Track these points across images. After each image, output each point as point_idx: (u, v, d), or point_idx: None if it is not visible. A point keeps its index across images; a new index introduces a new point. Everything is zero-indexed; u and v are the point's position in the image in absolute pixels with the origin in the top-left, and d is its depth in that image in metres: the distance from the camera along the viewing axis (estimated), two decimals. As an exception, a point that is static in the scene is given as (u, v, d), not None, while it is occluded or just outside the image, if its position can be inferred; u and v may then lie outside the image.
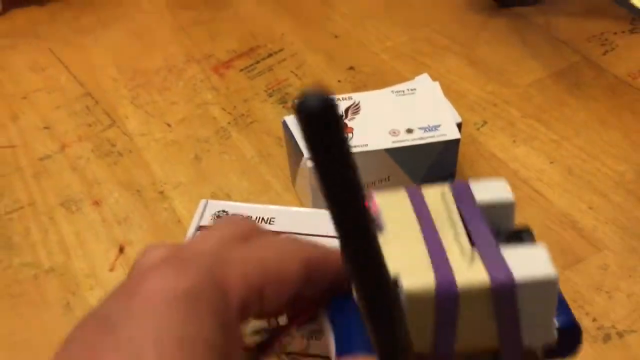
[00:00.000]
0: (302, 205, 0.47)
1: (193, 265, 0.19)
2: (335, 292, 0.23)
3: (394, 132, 0.44)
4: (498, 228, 0.23)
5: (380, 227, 0.22)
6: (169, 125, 0.57)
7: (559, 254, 0.44)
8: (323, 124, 0.15)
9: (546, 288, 0.21)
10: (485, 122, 0.54)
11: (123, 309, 0.18)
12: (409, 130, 0.44)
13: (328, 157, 0.15)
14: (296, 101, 0.15)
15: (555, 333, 0.22)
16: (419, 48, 0.62)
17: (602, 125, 0.53)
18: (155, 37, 0.67)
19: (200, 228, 0.34)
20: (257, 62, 0.62)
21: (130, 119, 0.58)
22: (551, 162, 0.50)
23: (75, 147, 0.55)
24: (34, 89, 0.61)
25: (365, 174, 0.45)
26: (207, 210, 0.36)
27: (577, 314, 0.40)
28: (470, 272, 0.21)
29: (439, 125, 0.44)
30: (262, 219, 0.35)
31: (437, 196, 0.23)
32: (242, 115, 0.56)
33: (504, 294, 0.21)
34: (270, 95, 0.58)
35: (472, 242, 0.21)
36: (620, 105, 0.55)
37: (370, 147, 0.43)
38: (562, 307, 0.23)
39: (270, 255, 0.22)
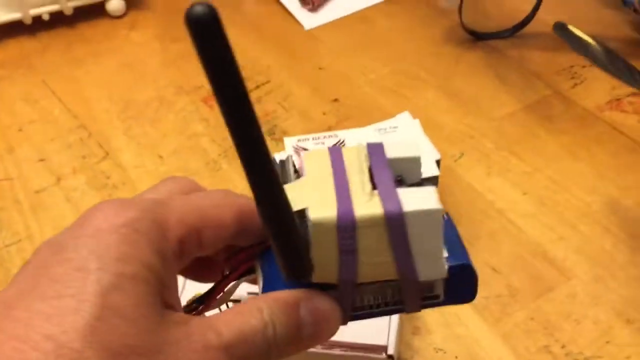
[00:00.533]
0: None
1: (135, 206, 0.22)
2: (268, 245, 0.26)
3: (377, 170, 0.47)
4: (406, 178, 0.26)
5: (300, 176, 0.26)
6: (161, 157, 0.59)
7: (531, 283, 0.47)
8: (208, 27, 0.17)
9: (431, 219, 0.24)
10: (462, 154, 0.57)
11: (71, 236, 0.21)
12: (391, 168, 0.47)
13: (215, 57, 0.18)
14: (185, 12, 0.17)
15: (445, 268, 0.25)
16: (399, 81, 0.65)
17: (572, 157, 0.56)
18: (145, 68, 0.69)
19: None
20: (245, 93, 0.65)
21: (123, 150, 0.60)
22: (524, 194, 0.54)
23: (70, 179, 0.57)
24: (29, 121, 0.63)
25: (350, 209, 0.47)
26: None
27: (547, 341, 0.44)
28: (367, 205, 0.24)
29: (419, 163, 0.47)
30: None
31: (353, 153, 0.26)
32: (232, 147, 0.59)
33: (395, 223, 0.23)
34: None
35: (374, 186, 0.24)
36: (588, 137, 0.58)
37: (355, 184, 0.46)
38: (458, 249, 0.26)
39: (207, 203, 0.25)
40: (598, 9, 0.73)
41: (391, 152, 0.26)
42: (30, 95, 0.66)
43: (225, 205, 0.25)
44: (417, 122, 0.51)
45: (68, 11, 0.73)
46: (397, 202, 0.24)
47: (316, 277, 0.25)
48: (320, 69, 0.68)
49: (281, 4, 0.75)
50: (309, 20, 0.73)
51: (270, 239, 0.23)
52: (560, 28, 0.50)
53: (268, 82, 0.66)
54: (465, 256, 0.26)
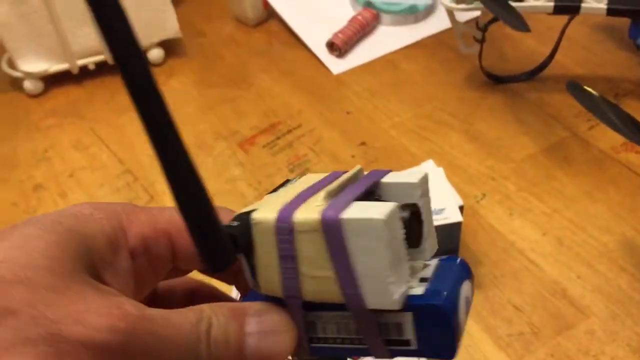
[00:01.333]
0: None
1: (104, 204, 0.24)
2: None
3: (404, 216, 0.51)
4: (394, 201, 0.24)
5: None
6: (201, 200, 0.63)
7: (551, 320, 0.50)
8: None
9: (372, 231, 0.21)
10: (484, 195, 0.61)
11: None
12: (418, 214, 0.51)
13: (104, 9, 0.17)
14: None
15: (393, 296, 0.22)
16: (423, 124, 0.69)
17: (589, 198, 0.60)
18: (184, 114, 0.74)
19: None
20: (278, 138, 0.69)
21: (167, 194, 0.64)
22: (544, 234, 0.57)
23: (119, 222, 0.62)
24: (79, 167, 0.68)
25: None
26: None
27: (567, 377, 0.47)
28: (309, 211, 0.22)
29: (443, 209, 0.51)
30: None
31: (350, 175, 0.25)
32: (267, 190, 0.63)
33: (331, 229, 0.22)
34: (292, 171, 0.65)
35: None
36: (605, 178, 0.61)
37: (385, 230, 0.50)
38: (441, 291, 0.23)
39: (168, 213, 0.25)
40: (613, 51, 0.76)
41: (389, 178, 0.25)
42: (80, 142, 0.71)
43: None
44: (440, 170, 0.54)
45: (112, 61, 0.78)
46: (338, 209, 0.22)
47: (262, 288, 0.24)
48: (348, 113, 0.72)
49: (310, 51, 0.80)
50: (336, 65, 0.78)
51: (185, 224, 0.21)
52: (574, 87, 0.53)
53: (299, 126, 0.71)
54: (441, 298, 0.23)
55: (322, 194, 0.23)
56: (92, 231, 0.22)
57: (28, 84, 0.76)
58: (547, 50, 0.73)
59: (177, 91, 0.77)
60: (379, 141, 0.68)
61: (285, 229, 0.22)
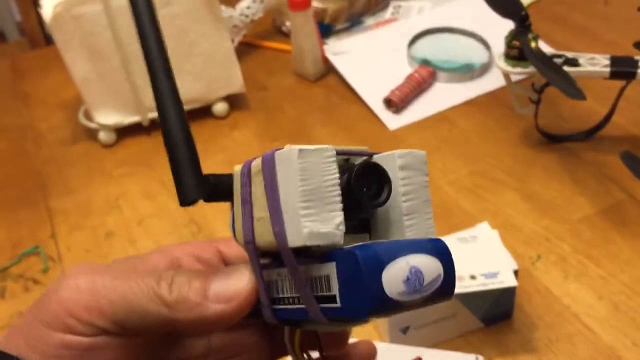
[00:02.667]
0: (382, 336, 0.55)
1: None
2: None
3: (459, 278, 0.52)
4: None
5: None
6: (261, 252, 0.66)
7: (606, 388, 0.50)
8: None
9: (289, 161, 0.22)
10: (539, 257, 0.61)
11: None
12: (472, 277, 0.52)
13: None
14: None
15: (304, 230, 0.22)
16: (477, 182, 0.71)
17: (646, 263, 0.59)
18: (247, 166, 0.77)
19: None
20: (335, 192, 0.72)
21: (228, 245, 0.67)
22: (599, 298, 0.57)
23: (183, 271, 0.65)
24: (148, 215, 0.72)
25: (434, 313, 0.52)
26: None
27: None
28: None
29: (498, 273, 0.52)
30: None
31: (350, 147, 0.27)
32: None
33: (267, 165, 0.23)
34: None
35: None
36: (662, 243, 0.61)
37: (440, 292, 0.51)
38: (377, 246, 0.23)
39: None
40: (672, 111, 0.76)
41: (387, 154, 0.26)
42: (149, 191, 0.75)
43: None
44: (495, 233, 0.55)
45: (180, 114, 0.83)
46: (278, 149, 0.23)
47: (237, 237, 0.25)
48: (404, 169, 0.74)
49: (368, 106, 0.83)
50: (393, 121, 0.80)
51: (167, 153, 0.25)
52: (629, 158, 0.54)
53: (356, 181, 0.73)
54: (362, 249, 0.22)
55: (286, 146, 0.24)
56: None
57: (102, 135, 0.81)
58: (604, 110, 0.74)
59: (239, 143, 0.81)
60: (434, 198, 0.68)
61: (245, 173, 0.24)
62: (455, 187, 0.70)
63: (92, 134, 0.83)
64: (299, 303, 0.24)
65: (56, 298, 0.26)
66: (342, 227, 0.23)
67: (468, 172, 0.72)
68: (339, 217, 0.23)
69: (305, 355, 0.29)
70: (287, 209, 0.23)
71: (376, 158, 0.27)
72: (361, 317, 0.22)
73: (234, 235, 0.26)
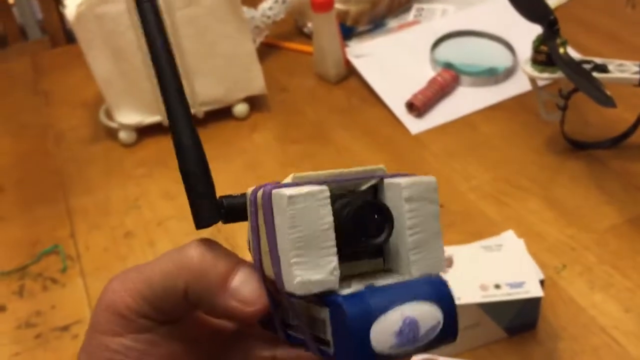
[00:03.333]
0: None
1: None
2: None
3: (483, 287, 0.51)
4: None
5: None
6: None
7: (634, 404, 0.49)
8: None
9: (282, 206, 0.22)
10: (564, 266, 0.60)
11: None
12: (497, 286, 0.51)
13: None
14: None
15: (295, 279, 0.22)
16: (501, 188, 0.69)
17: (675, 275, 0.58)
18: (266, 169, 0.77)
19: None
20: (356, 196, 0.71)
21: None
22: (626, 311, 0.56)
23: (202, 273, 0.64)
24: (167, 216, 0.72)
25: (457, 321, 0.51)
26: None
27: None
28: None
29: (523, 282, 0.51)
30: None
31: (361, 169, 0.26)
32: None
33: (265, 203, 0.23)
34: (369, 230, 0.66)
35: None
36: (692, 255, 0.59)
37: (463, 301, 0.50)
38: (374, 296, 0.22)
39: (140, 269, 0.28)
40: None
41: (395, 179, 0.25)
42: (168, 192, 0.75)
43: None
44: (521, 242, 0.54)
45: (200, 114, 0.82)
46: (277, 186, 0.23)
47: (252, 255, 0.25)
48: (425, 174, 0.73)
49: (389, 110, 0.82)
50: (415, 125, 0.79)
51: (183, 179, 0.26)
52: None
53: (377, 185, 0.72)
54: (352, 300, 0.22)
55: (290, 176, 0.24)
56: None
57: (123, 135, 0.81)
58: (632, 117, 0.72)
59: (259, 146, 0.80)
60: (456, 204, 0.68)
61: (252, 201, 0.24)
62: (478, 193, 0.69)
63: (112, 134, 0.83)
64: (296, 331, 0.25)
65: (101, 306, 0.28)
66: (337, 273, 0.23)
67: (491, 178, 0.71)
68: (332, 262, 0.23)
69: None
70: (282, 254, 0.22)
71: (386, 184, 0.25)
72: None
73: (252, 255, 0.26)
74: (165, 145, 0.82)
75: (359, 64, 0.88)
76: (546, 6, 0.65)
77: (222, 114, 0.83)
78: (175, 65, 0.26)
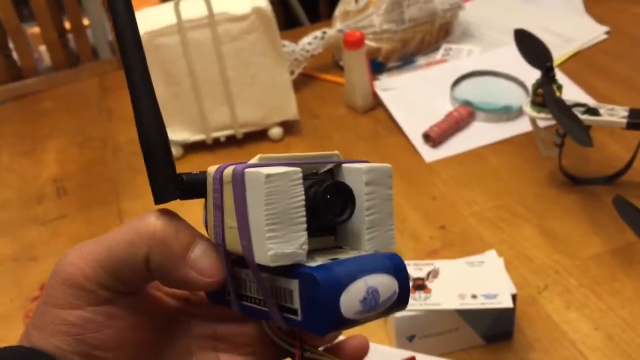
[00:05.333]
0: (391, 341, 0.62)
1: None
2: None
3: (461, 296, 0.58)
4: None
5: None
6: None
7: (589, 408, 0.55)
8: None
9: (258, 184, 0.23)
10: (546, 287, 0.67)
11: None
12: (474, 296, 0.58)
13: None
14: None
15: (268, 251, 0.23)
16: (500, 215, 0.77)
17: (646, 301, 0.64)
18: (293, 186, 0.86)
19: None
20: (369, 214, 0.80)
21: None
22: (596, 329, 0.62)
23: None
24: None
25: (438, 325, 0.59)
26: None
27: None
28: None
29: (497, 294, 0.58)
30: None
31: (317, 154, 0.29)
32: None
33: (236, 181, 0.24)
34: (376, 245, 0.75)
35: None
36: (666, 284, 0.65)
37: (442, 307, 0.58)
38: (336, 269, 0.24)
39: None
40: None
41: (352, 164, 0.28)
42: (205, 201, 0.85)
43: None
44: (501, 260, 0.62)
45: (239, 135, 0.93)
46: (250, 166, 0.25)
47: (208, 233, 0.27)
48: (433, 198, 0.81)
49: (408, 139, 0.90)
50: (429, 154, 0.87)
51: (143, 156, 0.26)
52: (620, 203, 0.59)
53: (389, 206, 0.80)
54: (323, 271, 0.24)
55: (257, 156, 0.26)
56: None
57: (172, 150, 0.92)
58: (629, 156, 0.78)
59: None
60: (457, 226, 0.76)
61: (217, 179, 0.25)
62: (477, 218, 0.77)
63: (162, 148, 0.94)
64: (264, 306, 0.26)
65: (57, 279, 0.28)
66: (306, 247, 0.25)
67: (493, 205, 0.78)
68: (302, 237, 0.25)
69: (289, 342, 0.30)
70: (254, 228, 0.24)
71: (345, 168, 0.28)
72: (319, 333, 0.24)
73: (207, 230, 0.28)
74: (208, 161, 0.93)
75: (385, 97, 0.97)
76: (545, 54, 0.72)
77: (259, 135, 0.94)
78: (141, 48, 0.26)
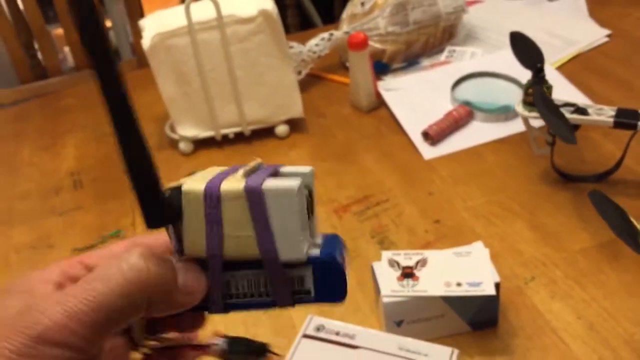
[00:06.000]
0: (381, 326, 0.66)
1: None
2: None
3: (447, 284, 0.62)
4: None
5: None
6: (297, 252, 0.78)
7: (566, 391, 0.58)
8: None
9: (288, 197, 0.27)
10: (533, 278, 0.70)
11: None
12: (459, 284, 0.62)
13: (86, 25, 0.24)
14: None
15: (303, 250, 0.27)
16: (493, 210, 0.80)
17: (628, 293, 0.66)
18: (297, 181, 0.90)
19: (304, 336, 0.54)
20: (368, 208, 0.83)
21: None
22: (578, 318, 0.65)
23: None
24: (209, 214, 0.86)
25: (425, 311, 0.62)
26: (311, 323, 0.56)
27: None
28: (233, 183, 0.28)
29: (481, 283, 0.61)
30: (347, 334, 0.54)
31: (252, 165, 0.31)
32: (349, 250, 0.77)
33: (254, 196, 0.27)
34: (373, 237, 0.78)
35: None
36: (648, 277, 0.68)
37: (429, 293, 0.61)
38: (331, 251, 0.28)
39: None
40: (687, 162, 0.82)
41: (287, 169, 0.32)
42: (213, 195, 0.89)
43: (120, 243, 0.31)
44: (486, 251, 0.65)
45: (247, 132, 0.97)
46: (259, 181, 0.28)
47: (186, 250, 0.28)
48: (430, 194, 0.84)
49: (409, 137, 0.94)
50: (428, 152, 0.91)
51: (130, 180, 0.26)
52: (596, 196, 0.62)
53: (387, 200, 0.84)
54: (333, 254, 0.29)
55: (240, 172, 0.29)
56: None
57: (182, 145, 0.97)
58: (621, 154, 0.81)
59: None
60: (451, 220, 0.79)
61: (213, 196, 0.27)
62: (471, 212, 0.80)
63: (174, 144, 0.99)
64: (256, 297, 0.30)
65: (30, 334, 0.25)
66: (311, 240, 0.30)
67: (486, 201, 0.81)
68: (308, 233, 0.30)
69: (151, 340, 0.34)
70: (279, 233, 0.27)
71: (294, 172, 0.33)
72: (339, 299, 0.30)
73: (179, 250, 0.29)
74: (217, 156, 0.97)
75: (388, 97, 1.00)
76: (537, 55, 0.75)
77: (266, 132, 0.98)
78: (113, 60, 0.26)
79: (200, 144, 0.98)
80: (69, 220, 0.88)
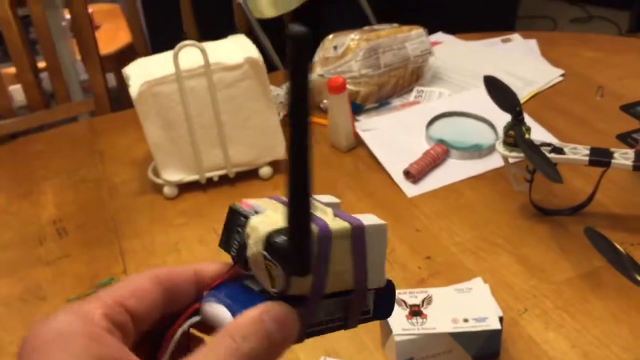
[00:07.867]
0: (389, 364, 0.68)
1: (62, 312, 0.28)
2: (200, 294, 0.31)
3: (454, 320, 0.65)
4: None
5: (259, 211, 0.34)
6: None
7: (571, 417, 0.62)
8: (305, 44, 0.23)
9: (381, 232, 0.30)
10: (526, 310, 0.74)
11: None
12: (465, 320, 0.65)
13: (300, 70, 0.24)
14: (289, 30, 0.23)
15: (385, 276, 0.31)
16: (479, 245, 0.84)
17: (615, 320, 0.72)
18: (285, 222, 0.92)
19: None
20: (359, 247, 0.86)
21: (268, 286, 0.81)
22: (572, 346, 0.69)
23: (230, 306, 0.79)
24: (202, 259, 0.86)
25: (434, 347, 0.65)
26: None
27: None
28: (335, 223, 0.30)
29: (486, 318, 0.65)
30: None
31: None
32: (348, 290, 0.79)
33: (358, 234, 0.29)
34: (368, 276, 0.81)
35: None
36: (629, 304, 0.73)
37: (437, 330, 0.64)
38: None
39: (125, 282, 0.30)
40: (649, 194, 0.89)
41: (323, 199, 0.35)
42: (204, 239, 0.90)
43: (142, 276, 0.31)
44: (487, 286, 0.68)
45: (232, 175, 0.98)
46: (359, 220, 0.31)
47: (292, 289, 0.29)
48: (417, 230, 0.88)
49: (390, 176, 0.97)
50: (410, 190, 0.95)
51: (289, 228, 0.27)
52: (591, 233, 0.67)
53: (377, 239, 0.87)
54: (388, 280, 0.32)
55: (329, 211, 0.32)
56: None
57: (166, 189, 0.97)
58: (590, 190, 0.87)
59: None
60: (441, 256, 0.83)
61: (326, 239, 0.29)
62: (459, 248, 0.84)
63: (157, 188, 0.99)
64: (330, 324, 0.32)
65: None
66: None
67: (472, 236, 0.86)
68: None
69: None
70: (375, 265, 0.31)
71: (330, 204, 0.35)
72: (389, 317, 0.34)
73: (286, 289, 0.29)
74: (202, 199, 0.98)
75: (366, 137, 1.04)
76: (514, 100, 0.81)
77: (250, 174, 0.99)
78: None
79: (184, 188, 0.98)
80: (58, 269, 0.86)
